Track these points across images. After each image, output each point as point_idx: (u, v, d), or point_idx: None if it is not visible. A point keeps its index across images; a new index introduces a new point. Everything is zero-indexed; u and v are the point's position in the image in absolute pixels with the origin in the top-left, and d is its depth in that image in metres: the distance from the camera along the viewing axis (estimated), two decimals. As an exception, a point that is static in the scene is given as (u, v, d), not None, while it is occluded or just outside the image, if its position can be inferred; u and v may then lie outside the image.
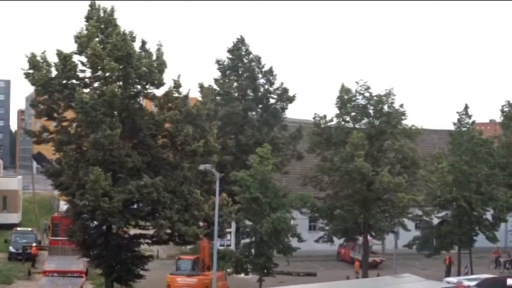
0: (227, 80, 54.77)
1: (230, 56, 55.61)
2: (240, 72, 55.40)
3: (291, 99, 55.86)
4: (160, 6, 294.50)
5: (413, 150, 48.56)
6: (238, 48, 55.56)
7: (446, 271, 53.06)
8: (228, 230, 50.52)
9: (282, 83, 55.66)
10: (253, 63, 55.50)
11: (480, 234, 51.41)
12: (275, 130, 55.22)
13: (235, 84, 55.15)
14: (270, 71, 55.58)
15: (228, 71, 55.52)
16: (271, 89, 55.70)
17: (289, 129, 58.27)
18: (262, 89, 55.64)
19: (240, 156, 48.59)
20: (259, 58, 55.87)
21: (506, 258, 55.54)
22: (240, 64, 55.46)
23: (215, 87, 54.83)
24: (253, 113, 55.69)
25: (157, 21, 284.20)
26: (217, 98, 53.28)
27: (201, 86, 52.26)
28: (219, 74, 55.99)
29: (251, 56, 55.84)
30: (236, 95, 54.78)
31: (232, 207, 40.56)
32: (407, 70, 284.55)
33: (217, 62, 55.72)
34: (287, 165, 55.96)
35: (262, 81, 55.66)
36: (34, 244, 56.53)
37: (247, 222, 43.67)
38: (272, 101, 56.13)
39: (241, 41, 55.68)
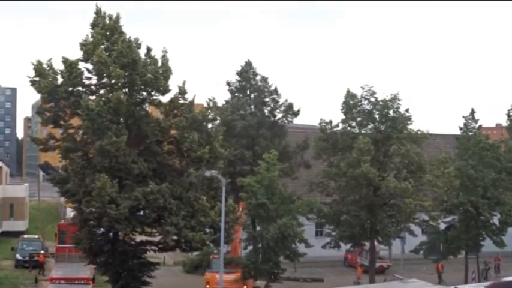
0: (237, 100, 57.69)
1: (239, 78, 59.16)
2: (248, 92, 58.97)
3: (296, 114, 58.91)
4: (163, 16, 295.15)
5: (419, 155, 48.42)
6: (246, 71, 58.74)
7: (438, 277, 52.50)
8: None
9: (286, 100, 58.89)
10: (261, 84, 58.84)
11: (487, 239, 51.21)
12: (285, 140, 58.17)
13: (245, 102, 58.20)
14: (275, 90, 58.84)
15: (237, 93, 59.18)
16: (277, 105, 58.84)
17: (296, 135, 60.73)
18: (269, 107, 59.00)
19: (256, 165, 50.07)
20: (267, 78, 59.11)
21: (484, 267, 54.31)
22: (249, 85, 59.08)
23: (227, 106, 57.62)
24: (263, 128, 57.89)
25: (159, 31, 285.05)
26: (230, 116, 55.57)
27: (214, 102, 55.32)
28: (229, 95, 59.84)
29: (258, 77, 59.04)
30: (247, 112, 57.55)
31: (239, 212, 40.56)
32: (413, 75, 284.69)
33: (228, 83, 59.01)
34: (296, 171, 57.39)
35: (268, 99, 58.99)
36: (42, 251, 56.51)
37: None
38: (279, 115, 59.29)
39: (249, 64, 58.89)
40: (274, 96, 58.40)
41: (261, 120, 57.30)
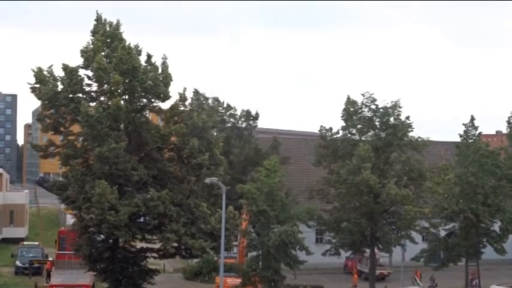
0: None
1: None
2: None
3: (255, 118, 63.43)
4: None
5: (419, 162, 48.41)
6: (198, 100, 62.20)
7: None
8: (234, 243, 50.46)
9: (242, 110, 63.65)
10: (214, 105, 63.11)
11: (488, 246, 51.05)
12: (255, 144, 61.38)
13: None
14: (229, 106, 63.69)
15: None
16: (237, 116, 63.43)
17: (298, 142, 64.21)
18: (231, 120, 63.45)
19: (236, 176, 50.81)
20: (217, 98, 64.18)
21: (431, 284, 53.75)
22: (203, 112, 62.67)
23: None
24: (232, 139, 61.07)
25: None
26: None
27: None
28: None
29: (209, 100, 63.61)
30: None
31: (239, 220, 40.49)
32: (413, 82, 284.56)
33: None
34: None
35: (225, 115, 63.36)
36: (50, 259, 56.07)
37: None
38: (243, 124, 63.50)
39: (196, 93, 62.87)
40: (230, 110, 62.82)
41: (227, 133, 59.80)
